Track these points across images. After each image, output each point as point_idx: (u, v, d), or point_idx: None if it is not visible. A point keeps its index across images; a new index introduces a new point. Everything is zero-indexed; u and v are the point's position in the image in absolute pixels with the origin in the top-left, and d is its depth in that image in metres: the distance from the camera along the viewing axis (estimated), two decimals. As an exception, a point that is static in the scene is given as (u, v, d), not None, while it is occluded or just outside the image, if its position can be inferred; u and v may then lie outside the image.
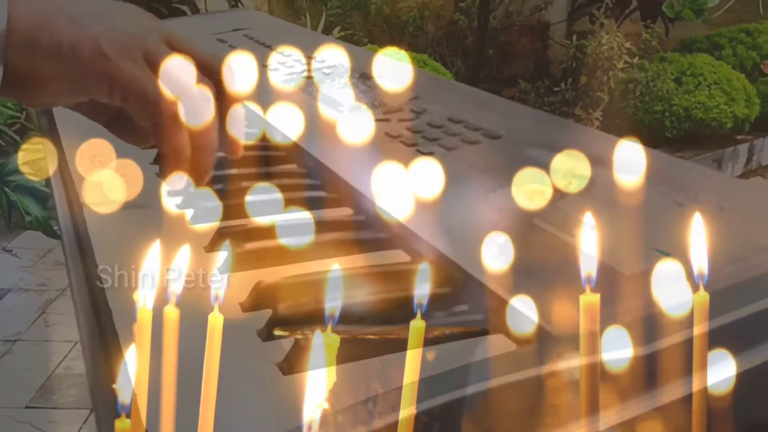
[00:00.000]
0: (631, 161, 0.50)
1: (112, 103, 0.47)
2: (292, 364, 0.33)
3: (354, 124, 0.63)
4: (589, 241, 0.31)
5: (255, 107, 0.70)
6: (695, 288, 0.30)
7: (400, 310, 0.38)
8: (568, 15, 4.05)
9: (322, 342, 0.26)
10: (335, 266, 0.32)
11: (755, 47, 3.35)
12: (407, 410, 0.27)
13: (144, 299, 0.27)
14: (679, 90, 3.13)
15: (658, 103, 3.11)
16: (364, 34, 3.73)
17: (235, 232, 0.45)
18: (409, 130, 0.60)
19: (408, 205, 0.47)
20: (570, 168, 0.49)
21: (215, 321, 0.27)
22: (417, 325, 0.27)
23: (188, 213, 0.50)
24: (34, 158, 2.55)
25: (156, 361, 0.27)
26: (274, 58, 0.89)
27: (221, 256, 0.44)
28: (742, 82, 3.16)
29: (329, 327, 0.27)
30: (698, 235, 0.32)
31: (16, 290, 2.30)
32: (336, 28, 3.64)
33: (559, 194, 0.45)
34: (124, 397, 0.25)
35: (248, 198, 0.50)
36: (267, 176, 0.55)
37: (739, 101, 3.11)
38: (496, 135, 0.56)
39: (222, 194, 0.51)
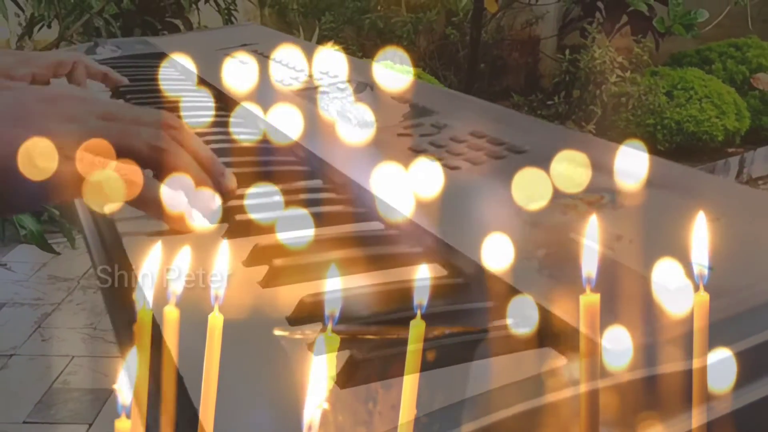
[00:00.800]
0: (658, 175, 0.51)
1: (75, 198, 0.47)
2: (348, 376, 0.33)
3: (376, 139, 0.64)
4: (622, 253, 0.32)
5: (259, 111, 0.71)
6: (695, 288, 0.31)
7: (441, 323, 0.39)
8: (558, 30, 4.08)
9: (323, 342, 0.26)
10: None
11: (744, 61, 3.40)
12: (407, 410, 0.27)
13: (144, 299, 0.27)
14: (670, 103, 3.16)
15: (650, 117, 3.14)
16: (357, 48, 3.75)
17: (271, 246, 0.45)
18: (432, 145, 0.60)
19: (441, 220, 0.48)
20: (600, 183, 0.49)
21: (215, 321, 0.27)
22: (417, 325, 0.27)
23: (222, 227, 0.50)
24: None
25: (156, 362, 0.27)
26: (286, 74, 0.90)
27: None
28: (732, 95, 3.20)
29: (329, 327, 0.27)
30: (700, 235, 0.32)
31: (11, 304, 2.29)
32: (329, 42, 3.65)
33: (592, 209, 0.46)
34: (124, 397, 0.25)
35: (278, 213, 0.50)
36: (294, 191, 0.55)
37: (730, 115, 3.15)
38: (521, 150, 0.57)
39: (254, 209, 0.51)
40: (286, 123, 0.68)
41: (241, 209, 0.51)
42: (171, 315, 0.27)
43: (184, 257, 0.31)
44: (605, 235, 0.42)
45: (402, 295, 0.41)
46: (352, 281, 0.43)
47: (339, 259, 0.44)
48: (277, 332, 0.39)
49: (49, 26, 3.45)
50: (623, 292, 0.37)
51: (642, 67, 3.22)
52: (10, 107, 0.45)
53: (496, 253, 0.42)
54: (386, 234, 0.49)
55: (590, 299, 0.28)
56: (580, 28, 3.60)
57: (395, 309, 0.40)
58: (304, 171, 0.61)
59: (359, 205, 0.53)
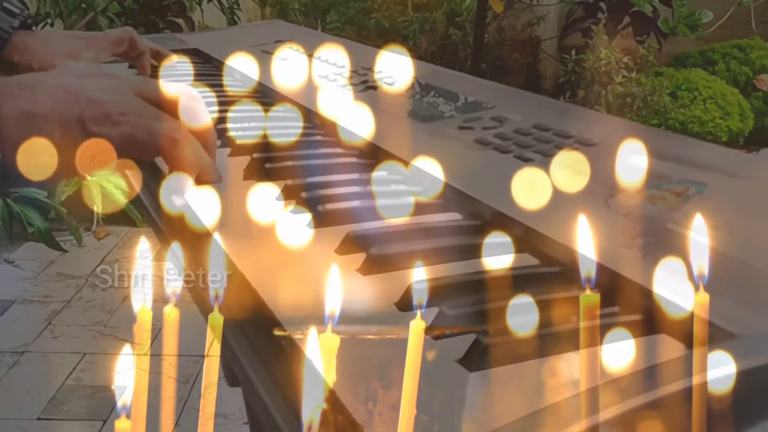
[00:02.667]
0: (735, 166, 0.52)
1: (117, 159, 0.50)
2: (477, 361, 0.33)
3: (440, 132, 0.64)
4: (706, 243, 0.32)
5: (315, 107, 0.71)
6: (695, 288, 0.31)
7: (541, 313, 0.39)
8: (561, 30, 4.09)
9: (320, 343, 0.26)
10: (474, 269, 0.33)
11: (748, 63, 3.41)
12: (407, 410, 0.27)
13: (144, 299, 0.27)
14: (674, 104, 3.18)
15: (654, 117, 3.16)
16: (359, 48, 3.74)
17: (364, 235, 0.46)
18: (498, 138, 0.61)
19: (528, 209, 0.48)
20: (681, 174, 0.50)
21: (215, 321, 0.27)
22: (417, 325, 0.27)
23: (304, 217, 0.50)
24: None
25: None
26: (329, 69, 0.90)
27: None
28: (736, 96, 3.22)
29: (329, 327, 0.27)
30: (699, 235, 0.33)
31: (20, 302, 2.28)
32: (332, 41, 3.64)
33: (681, 200, 0.46)
34: (124, 397, 0.25)
35: (361, 203, 0.50)
36: (361, 183, 0.55)
37: (734, 115, 3.17)
38: (591, 142, 0.57)
39: (336, 199, 0.51)
40: (345, 117, 0.68)
41: (325, 199, 0.51)
42: (171, 315, 0.27)
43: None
44: (698, 225, 0.42)
45: (503, 283, 0.41)
46: (448, 270, 0.43)
47: (432, 249, 0.45)
48: (277, 332, 0.39)
49: (53, 24, 3.43)
50: (735, 284, 0.37)
51: (647, 67, 3.23)
52: (56, 83, 0.49)
53: (594, 242, 0.42)
54: (467, 224, 0.49)
55: (590, 299, 0.29)
56: (583, 29, 3.61)
57: (498, 296, 0.40)
58: (368, 163, 0.61)
59: (437, 195, 0.53)
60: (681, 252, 0.41)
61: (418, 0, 3.66)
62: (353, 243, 0.45)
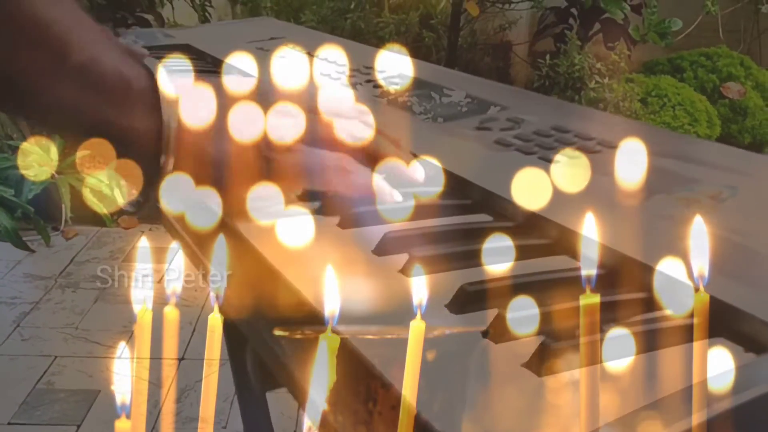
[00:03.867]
0: (757, 169, 0.52)
1: None
2: (544, 365, 0.33)
3: (457, 133, 0.63)
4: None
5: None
6: (695, 288, 0.31)
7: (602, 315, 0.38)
8: (533, 35, 4.13)
9: (325, 342, 0.26)
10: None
11: (715, 70, 3.48)
12: (407, 410, 0.27)
13: (144, 299, 0.27)
14: (645, 110, 3.23)
15: (625, 123, 3.20)
16: (332, 49, 3.72)
17: (403, 236, 0.45)
18: (518, 139, 0.60)
19: (563, 211, 0.47)
20: (710, 177, 0.50)
21: (215, 321, 0.27)
22: (417, 325, 0.27)
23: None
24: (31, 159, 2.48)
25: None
26: (329, 68, 0.89)
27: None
28: (704, 103, 3.28)
29: (329, 327, 0.27)
30: (699, 235, 0.33)
31: (-13, 303, 2.21)
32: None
33: (716, 202, 0.46)
34: (123, 397, 0.25)
35: (396, 205, 0.50)
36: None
37: (702, 122, 3.23)
38: (613, 144, 0.57)
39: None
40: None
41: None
42: (171, 315, 0.27)
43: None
44: (742, 229, 0.42)
45: (551, 286, 0.41)
46: (490, 272, 0.43)
47: (475, 251, 0.44)
48: (277, 332, 0.39)
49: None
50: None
51: (618, 73, 3.27)
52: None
53: (637, 242, 0.42)
54: (500, 226, 0.49)
55: (590, 300, 0.29)
56: (554, 35, 3.65)
57: (552, 299, 0.40)
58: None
59: (463, 197, 0.53)
60: (724, 256, 0.41)
61: (394, 2, 3.66)
62: (392, 244, 0.44)
